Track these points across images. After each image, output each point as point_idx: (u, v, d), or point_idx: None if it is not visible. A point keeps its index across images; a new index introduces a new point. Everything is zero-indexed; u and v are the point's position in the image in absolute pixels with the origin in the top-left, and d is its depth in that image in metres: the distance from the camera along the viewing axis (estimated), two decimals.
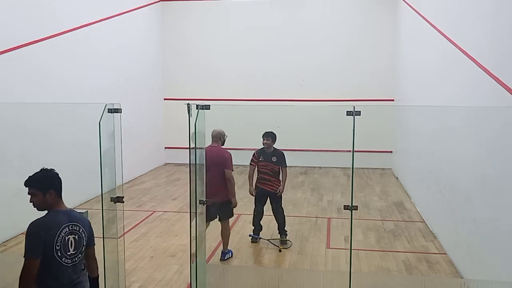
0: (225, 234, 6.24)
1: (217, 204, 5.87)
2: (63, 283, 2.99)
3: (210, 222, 6.02)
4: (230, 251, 6.29)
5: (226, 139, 6.10)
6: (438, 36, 7.22)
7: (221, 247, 6.41)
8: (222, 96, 12.60)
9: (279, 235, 6.84)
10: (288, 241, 6.69)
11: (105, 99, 8.90)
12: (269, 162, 6.64)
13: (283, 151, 6.83)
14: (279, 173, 6.72)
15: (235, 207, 6.15)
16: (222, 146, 6.09)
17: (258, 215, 6.79)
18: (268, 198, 6.77)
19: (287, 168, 6.80)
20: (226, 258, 6.19)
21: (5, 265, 5.45)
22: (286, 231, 6.86)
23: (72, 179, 8.02)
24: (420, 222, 7.76)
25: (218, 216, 6.15)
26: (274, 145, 6.73)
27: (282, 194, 6.83)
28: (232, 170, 6.00)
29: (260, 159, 6.66)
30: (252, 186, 6.73)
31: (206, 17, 13.24)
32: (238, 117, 11.04)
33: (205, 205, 4.69)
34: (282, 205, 6.88)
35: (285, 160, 6.73)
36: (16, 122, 6.82)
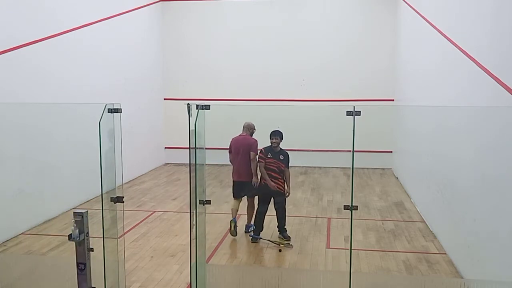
0: (250, 210, 7.08)
1: (243, 184, 6.99)
2: None
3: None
4: (252, 225, 6.98)
5: (254, 132, 7.13)
6: (438, 36, 7.22)
7: (221, 247, 6.43)
8: (222, 96, 12.61)
9: (279, 234, 6.85)
10: (289, 243, 6.67)
11: (105, 99, 8.92)
12: (277, 159, 6.71)
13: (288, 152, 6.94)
14: (283, 173, 6.80)
15: (254, 185, 6.88)
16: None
17: (260, 215, 6.79)
18: (272, 197, 6.78)
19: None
20: (249, 230, 7.06)
21: (5, 265, 5.46)
22: (286, 229, 6.88)
23: (72, 179, 8.14)
24: (420, 222, 7.76)
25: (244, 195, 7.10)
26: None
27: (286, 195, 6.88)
28: (257, 154, 6.90)
29: (269, 156, 6.70)
30: (263, 179, 6.75)
31: (206, 17, 13.24)
32: (238, 117, 11.05)
33: (204, 206, 4.69)
34: (286, 206, 6.92)
35: (289, 162, 6.86)
36: (16, 122, 6.82)
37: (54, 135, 7.77)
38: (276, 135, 6.75)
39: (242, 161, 6.93)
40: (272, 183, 6.68)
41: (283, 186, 6.78)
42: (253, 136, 7.03)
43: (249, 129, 7.13)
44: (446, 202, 6.35)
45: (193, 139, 4.40)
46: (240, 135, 7.15)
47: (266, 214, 6.83)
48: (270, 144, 6.78)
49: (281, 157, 6.75)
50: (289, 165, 6.91)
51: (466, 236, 5.43)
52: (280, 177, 6.74)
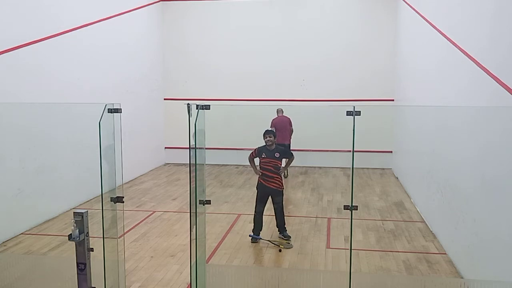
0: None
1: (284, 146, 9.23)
2: None
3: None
4: None
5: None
6: (438, 36, 7.22)
7: (221, 247, 6.44)
8: (222, 96, 12.62)
9: (279, 233, 6.86)
10: (289, 242, 6.68)
11: (105, 99, 8.91)
12: (272, 158, 6.69)
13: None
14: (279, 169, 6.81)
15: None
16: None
17: (258, 215, 6.78)
18: (270, 197, 6.78)
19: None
20: None
21: (5, 265, 5.46)
22: (286, 229, 6.89)
23: (72, 179, 8.15)
24: (420, 222, 7.76)
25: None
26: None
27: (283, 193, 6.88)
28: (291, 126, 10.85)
29: (263, 156, 6.69)
30: (257, 168, 6.84)
31: (206, 17, 13.24)
32: (238, 117, 11.08)
33: (204, 206, 4.69)
34: (283, 204, 6.91)
35: (286, 152, 6.99)
36: (16, 122, 6.82)
37: (54, 135, 7.77)
38: (270, 133, 6.76)
39: (285, 134, 10.77)
40: (258, 170, 6.77)
41: (280, 184, 6.77)
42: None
43: (282, 111, 10.87)
44: (446, 202, 6.35)
45: (193, 139, 4.40)
46: (278, 116, 10.92)
47: (264, 214, 6.83)
48: (264, 144, 6.76)
49: (277, 154, 6.72)
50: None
51: (466, 236, 5.43)
52: (277, 176, 6.71)
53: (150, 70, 12.59)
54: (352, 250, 5.70)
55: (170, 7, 13.30)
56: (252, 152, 6.80)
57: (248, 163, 6.93)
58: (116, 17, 10.38)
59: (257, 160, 6.84)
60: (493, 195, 4.64)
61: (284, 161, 7.04)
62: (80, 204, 8.39)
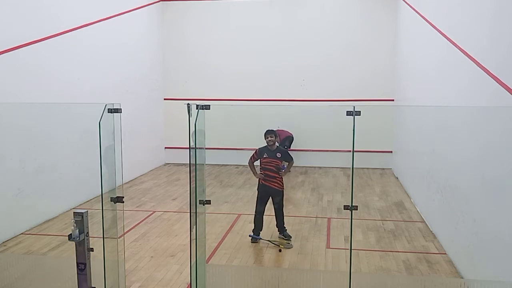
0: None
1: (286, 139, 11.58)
2: None
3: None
4: None
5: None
6: (438, 36, 7.22)
7: (221, 247, 6.46)
8: (222, 96, 12.62)
9: (279, 234, 6.86)
10: (289, 243, 6.68)
11: (105, 99, 8.91)
12: (274, 158, 6.70)
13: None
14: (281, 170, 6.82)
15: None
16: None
17: (259, 214, 6.79)
18: (271, 197, 6.79)
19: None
20: None
21: (5, 265, 5.46)
22: (285, 228, 6.89)
23: (72, 179, 8.15)
24: (420, 222, 7.76)
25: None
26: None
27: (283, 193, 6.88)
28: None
29: (264, 156, 6.70)
30: (256, 172, 6.82)
31: (206, 17, 13.24)
32: (238, 117, 11.09)
33: (204, 206, 4.70)
34: (283, 204, 6.92)
35: (288, 155, 6.95)
36: (16, 122, 6.82)
37: (54, 135, 7.77)
38: (271, 133, 6.76)
39: (286, 132, 11.77)
40: (258, 174, 6.74)
41: (281, 184, 6.77)
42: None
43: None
44: (446, 202, 6.35)
45: (193, 139, 4.40)
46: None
47: (264, 214, 6.84)
48: (266, 144, 6.77)
49: (278, 155, 6.74)
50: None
51: (466, 236, 5.43)
52: (278, 176, 6.73)
53: (150, 70, 12.59)
54: (352, 250, 5.70)
55: (170, 7, 13.29)
56: (253, 155, 6.80)
57: (247, 164, 6.93)
58: (116, 17, 10.38)
59: (256, 162, 6.86)
60: (493, 195, 4.64)
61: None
62: (80, 204, 8.39)
